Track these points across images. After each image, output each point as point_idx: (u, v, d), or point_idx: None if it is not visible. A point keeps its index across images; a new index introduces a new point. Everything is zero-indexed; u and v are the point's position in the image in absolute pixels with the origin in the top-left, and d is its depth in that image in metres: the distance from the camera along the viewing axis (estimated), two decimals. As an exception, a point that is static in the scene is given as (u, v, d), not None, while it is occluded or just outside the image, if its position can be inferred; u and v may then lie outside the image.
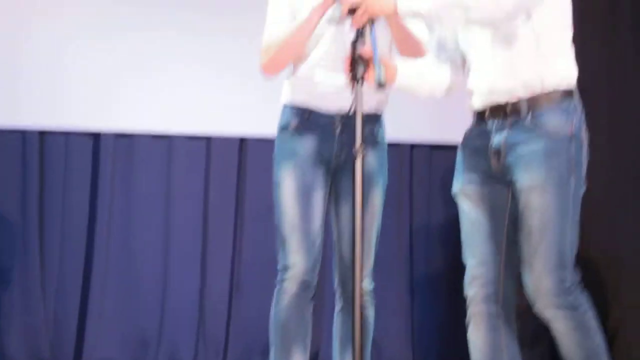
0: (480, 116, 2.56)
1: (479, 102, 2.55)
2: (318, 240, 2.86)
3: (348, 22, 2.61)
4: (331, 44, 2.85)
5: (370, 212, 2.85)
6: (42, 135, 4.61)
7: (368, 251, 2.87)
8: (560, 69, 2.46)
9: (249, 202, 4.78)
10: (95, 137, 4.68)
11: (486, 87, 2.52)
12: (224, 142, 4.78)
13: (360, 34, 2.43)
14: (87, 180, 4.66)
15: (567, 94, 2.45)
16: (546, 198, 2.38)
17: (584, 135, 2.47)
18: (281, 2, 2.93)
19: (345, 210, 2.90)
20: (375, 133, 2.92)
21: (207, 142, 4.79)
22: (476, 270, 2.55)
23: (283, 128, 2.92)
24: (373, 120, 2.91)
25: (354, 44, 2.41)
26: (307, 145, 2.85)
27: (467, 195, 2.58)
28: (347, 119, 2.78)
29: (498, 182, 2.52)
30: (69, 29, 4.62)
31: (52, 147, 4.64)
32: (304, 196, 2.82)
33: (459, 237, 2.62)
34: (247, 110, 4.65)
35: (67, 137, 4.65)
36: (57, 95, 4.59)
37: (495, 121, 2.50)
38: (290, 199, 2.82)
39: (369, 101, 2.57)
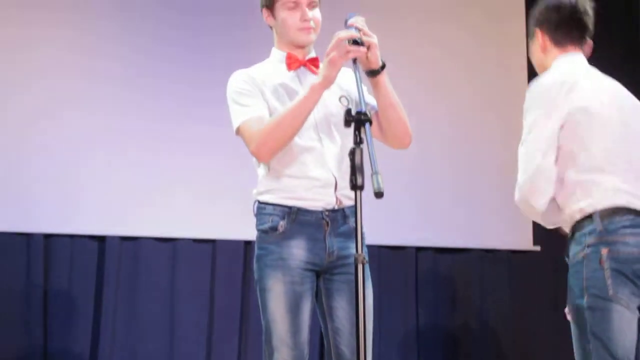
0: None
1: None
2: (306, 350, 2.72)
3: (324, 111, 2.67)
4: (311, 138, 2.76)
5: (367, 306, 2.76)
6: (48, 237, 4.62)
7: (369, 345, 2.78)
8: (576, 200, 2.56)
9: (254, 305, 4.73)
10: (100, 240, 4.69)
11: None
12: (229, 245, 4.78)
13: (357, 142, 2.34)
14: (92, 282, 4.65)
15: (585, 219, 2.53)
16: (571, 319, 2.56)
17: (605, 251, 2.47)
18: (246, 83, 2.79)
19: (340, 306, 2.76)
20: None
21: (213, 245, 4.80)
22: None
23: (271, 230, 2.75)
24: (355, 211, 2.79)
25: (353, 153, 2.31)
26: (297, 251, 2.71)
27: None
28: (334, 213, 2.75)
29: None
30: (76, 136, 4.69)
31: (57, 249, 4.64)
32: (293, 308, 2.69)
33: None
34: (251, 213, 4.66)
35: (72, 240, 4.65)
36: (63, 201, 4.61)
37: None
38: (279, 311, 2.68)
39: (351, 194, 2.37)
